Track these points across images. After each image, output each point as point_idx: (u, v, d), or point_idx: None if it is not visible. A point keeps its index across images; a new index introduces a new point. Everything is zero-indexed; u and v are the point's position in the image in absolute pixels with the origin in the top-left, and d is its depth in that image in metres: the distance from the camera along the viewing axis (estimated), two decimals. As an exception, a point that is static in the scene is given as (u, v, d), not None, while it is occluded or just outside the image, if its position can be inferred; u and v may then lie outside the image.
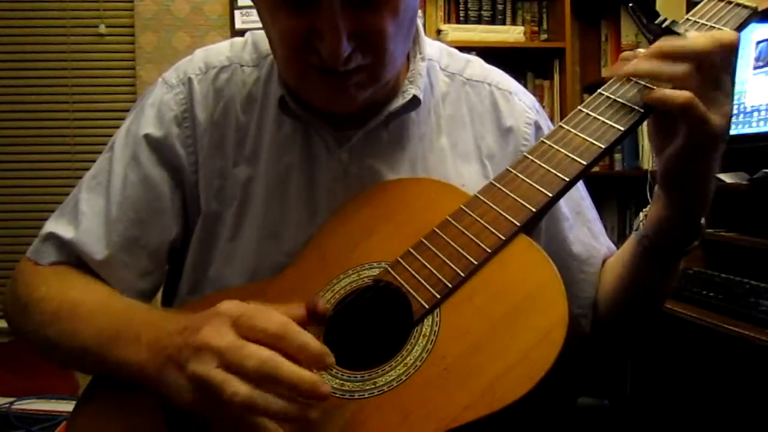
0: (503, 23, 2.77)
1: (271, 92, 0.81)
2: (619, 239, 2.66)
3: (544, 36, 2.82)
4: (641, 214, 0.77)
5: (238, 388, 0.55)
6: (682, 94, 0.63)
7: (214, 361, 0.57)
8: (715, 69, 0.64)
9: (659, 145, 0.69)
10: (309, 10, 0.66)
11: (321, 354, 0.58)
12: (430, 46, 0.86)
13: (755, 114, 1.82)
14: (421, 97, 0.80)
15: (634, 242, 0.78)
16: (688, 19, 0.72)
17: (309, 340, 0.58)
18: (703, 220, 0.74)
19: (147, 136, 0.80)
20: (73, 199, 0.82)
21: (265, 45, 0.84)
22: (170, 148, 0.81)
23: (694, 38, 0.65)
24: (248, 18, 2.64)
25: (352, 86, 0.72)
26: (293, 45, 0.69)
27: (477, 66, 0.89)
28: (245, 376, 0.56)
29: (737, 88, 2.01)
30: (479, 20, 2.76)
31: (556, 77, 2.77)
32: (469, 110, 0.86)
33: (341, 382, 0.62)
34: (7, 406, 2.14)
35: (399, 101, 0.79)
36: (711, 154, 0.67)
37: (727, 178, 1.87)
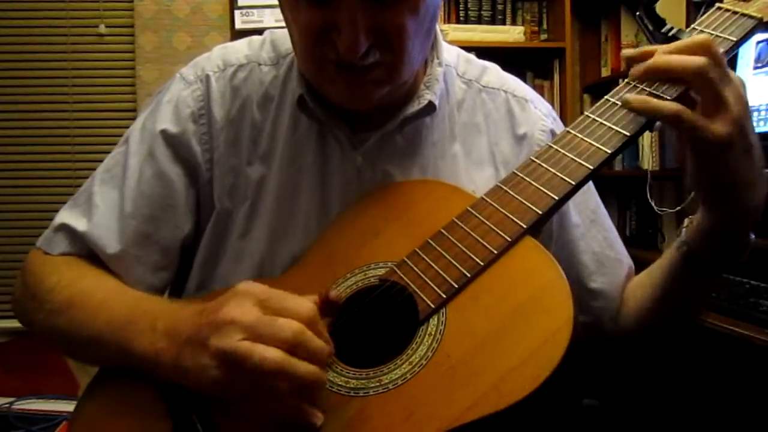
0: (503, 23, 2.78)
1: (288, 92, 0.82)
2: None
3: (544, 36, 2.82)
4: (686, 221, 0.76)
5: (268, 353, 0.57)
6: (670, 106, 0.65)
7: (239, 334, 0.58)
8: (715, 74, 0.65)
9: (683, 148, 0.69)
10: (329, 4, 0.67)
11: (330, 343, 0.62)
12: (448, 52, 0.86)
13: (755, 114, 1.82)
14: (436, 103, 0.80)
15: (673, 249, 0.77)
16: (694, 28, 0.73)
17: (324, 330, 0.62)
18: (753, 237, 0.72)
19: (163, 132, 0.81)
20: (86, 191, 0.82)
21: (283, 44, 0.84)
22: (186, 145, 0.81)
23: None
24: (248, 18, 2.64)
25: (369, 82, 0.72)
26: (312, 38, 0.70)
27: (494, 73, 0.89)
28: (277, 344, 0.57)
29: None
30: (479, 20, 2.76)
31: (556, 77, 2.78)
32: (484, 117, 0.86)
33: (346, 379, 0.63)
34: (7, 406, 2.13)
35: (415, 106, 0.80)
36: (728, 160, 0.65)
37: (727, 178, 1.87)
